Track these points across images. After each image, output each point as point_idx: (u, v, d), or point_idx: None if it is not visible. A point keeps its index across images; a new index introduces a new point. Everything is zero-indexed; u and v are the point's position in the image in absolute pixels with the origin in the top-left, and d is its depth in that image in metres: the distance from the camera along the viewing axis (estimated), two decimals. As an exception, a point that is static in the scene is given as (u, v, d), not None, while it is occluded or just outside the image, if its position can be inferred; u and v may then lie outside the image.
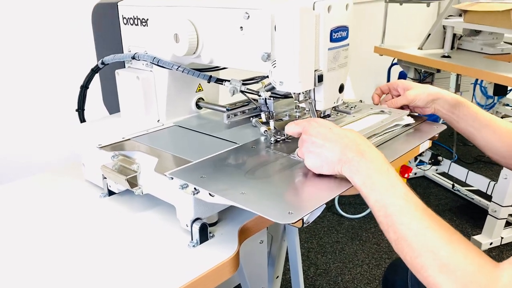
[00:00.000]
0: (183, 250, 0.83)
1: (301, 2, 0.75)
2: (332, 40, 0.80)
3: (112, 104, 1.21)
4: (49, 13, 1.64)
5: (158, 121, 1.11)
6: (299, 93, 0.82)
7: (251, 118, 1.07)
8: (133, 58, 1.06)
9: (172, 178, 0.81)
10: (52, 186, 1.08)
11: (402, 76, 3.28)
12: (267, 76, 1.00)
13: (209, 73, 1.03)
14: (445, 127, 1.04)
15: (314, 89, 0.83)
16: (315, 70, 0.80)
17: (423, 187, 2.86)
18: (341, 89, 0.86)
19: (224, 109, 1.07)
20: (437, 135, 1.01)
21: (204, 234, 0.85)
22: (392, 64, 3.13)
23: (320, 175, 0.79)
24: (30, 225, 0.92)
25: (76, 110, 1.20)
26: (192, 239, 0.85)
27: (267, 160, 0.87)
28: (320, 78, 0.80)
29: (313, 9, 0.77)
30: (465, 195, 2.63)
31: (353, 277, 2.06)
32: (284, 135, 0.97)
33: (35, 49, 1.63)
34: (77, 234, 0.88)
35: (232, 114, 1.06)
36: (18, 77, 1.61)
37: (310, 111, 0.87)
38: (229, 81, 1.00)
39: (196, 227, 0.84)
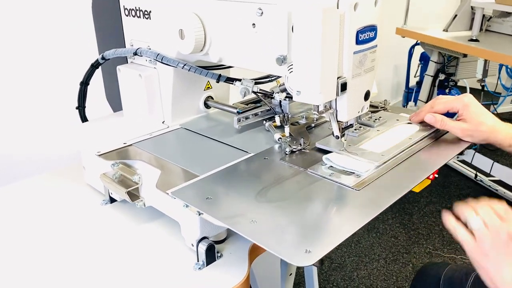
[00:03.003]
0: (188, 272, 0.76)
1: (323, 1, 0.64)
2: (358, 42, 0.69)
3: (115, 101, 1.12)
4: (48, 4, 1.54)
5: (163, 122, 1.02)
6: (319, 103, 0.72)
7: (264, 122, 0.97)
8: (135, 54, 0.97)
9: (175, 198, 0.72)
10: (52, 190, 1.01)
11: (424, 58, 3.13)
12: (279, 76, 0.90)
13: (218, 71, 0.94)
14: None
15: (336, 98, 0.73)
16: (338, 78, 0.70)
17: (443, 176, 2.75)
18: (366, 96, 0.76)
19: (235, 110, 0.98)
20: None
21: (211, 255, 0.77)
22: (414, 45, 2.98)
23: (343, 198, 0.70)
24: (25, 233, 0.86)
25: (77, 108, 1.12)
26: (198, 260, 0.77)
27: (282, 176, 0.78)
28: (344, 87, 0.70)
29: (337, 8, 0.66)
30: (489, 186, 2.51)
31: (369, 272, 1.99)
32: (301, 144, 0.88)
33: (34, 43, 1.53)
34: (73, 246, 0.82)
35: (243, 117, 0.96)
36: (17, 72, 1.52)
37: (330, 121, 0.77)
38: (240, 80, 0.90)
39: (203, 247, 0.76)
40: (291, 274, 1.69)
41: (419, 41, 2.66)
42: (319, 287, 1.61)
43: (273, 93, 0.94)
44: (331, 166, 0.80)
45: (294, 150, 0.87)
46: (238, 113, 0.96)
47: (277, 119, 0.95)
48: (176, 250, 0.80)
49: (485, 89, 2.54)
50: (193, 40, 0.85)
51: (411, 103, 2.91)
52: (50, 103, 1.58)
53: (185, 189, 0.74)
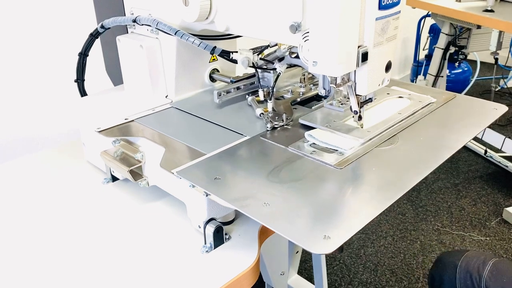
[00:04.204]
0: (195, 255, 0.72)
1: (345, -41, 0.57)
2: (381, 7, 0.63)
3: (116, 74, 1.06)
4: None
5: (166, 96, 0.97)
6: (337, 75, 0.66)
7: (247, 96, 0.92)
8: (134, 21, 0.90)
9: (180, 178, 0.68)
10: (50, 168, 0.96)
11: (434, 30, 3.03)
12: (266, 46, 0.84)
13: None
14: (506, 108, 0.87)
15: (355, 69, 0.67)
16: (358, 47, 0.63)
17: (451, 152, 2.69)
18: (388, 67, 0.70)
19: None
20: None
21: (219, 237, 0.73)
22: (424, 16, 2.88)
23: (359, 179, 0.65)
24: (23, 214, 0.82)
25: (75, 81, 1.06)
26: (205, 243, 0.73)
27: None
28: (365, 57, 0.64)
29: (359, -32, 0.59)
30: (499, 162, 2.45)
31: (376, 250, 1.96)
32: (283, 119, 0.83)
33: (30, 11, 1.45)
34: (74, 227, 0.78)
35: (224, 91, 0.91)
36: (12, 43, 1.44)
37: (348, 95, 0.71)
38: (236, 52, 0.84)
39: (210, 229, 0.71)
40: (297, 251, 1.67)
41: (429, 12, 2.56)
42: (326, 264, 1.59)
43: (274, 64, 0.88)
44: (314, 143, 0.76)
45: (275, 126, 0.82)
46: (232, 82, 0.91)
47: (261, 93, 0.89)
48: (182, 231, 0.76)
49: (498, 62, 2.46)
50: (197, 7, 0.78)
51: (420, 77, 2.83)
52: (48, 75, 1.51)
53: (192, 168, 0.69)
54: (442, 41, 2.56)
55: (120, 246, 0.73)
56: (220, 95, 0.92)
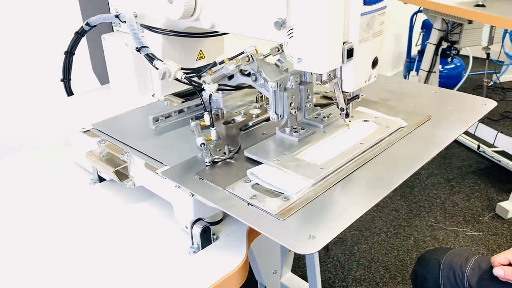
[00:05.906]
0: (182, 256, 0.71)
1: (328, -47, 0.56)
2: (366, 2, 0.62)
3: (102, 73, 1.05)
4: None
5: (153, 95, 0.95)
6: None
7: (191, 120, 0.80)
8: (117, 17, 0.89)
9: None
10: (37, 169, 0.95)
11: (426, 25, 3.03)
12: (214, 63, 0.75)
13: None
14: (495, 103, 0.86)
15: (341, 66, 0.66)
16: (343, 43, 0.63)
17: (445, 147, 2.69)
18: (374, 63, 0.69)
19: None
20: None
21: (207, 238, 0.72)
22: (416, 12, 2.88)
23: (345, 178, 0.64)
24: (9, 216, 0.81)
25: (61, 80, 1.04)
26: (192, 244, 0.72)
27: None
28: (350, 53, 0.63)
29: (343, -38, 0.58)
30: (491, 157, 2.45)
31: (370, 246, 1.96)
32: (226, 152, 0.70)
33: (13, 9, 1.43)
34: (60, 229, 0.77)
35: (163, 116, 0.80)
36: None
37: (334, 92, 0.70)
38: (162, 61, 0.75)
39: (197, 230, 0.70)
40: (290, 250, 1.66)
41: (421, 8, 2.56)
42: (319, 262, 1.58)
43: (203, 84, 0.76)
44: (257, 184, 0.65)
45: (216, 160, 0.70)
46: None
47: (206, 117, 0.75)
48: (170, 232, 0.75)
49: (490, 57, 2.46)
50: (182, 4, 0.77)
51: (412, 73, 2.83)
52: (33, 74, 1.49)
53: (176, 169, 0.68)
54: (434, 36, 2.56)
55: (107, 247, 0.72)
56: (157, 121, 0.80)
